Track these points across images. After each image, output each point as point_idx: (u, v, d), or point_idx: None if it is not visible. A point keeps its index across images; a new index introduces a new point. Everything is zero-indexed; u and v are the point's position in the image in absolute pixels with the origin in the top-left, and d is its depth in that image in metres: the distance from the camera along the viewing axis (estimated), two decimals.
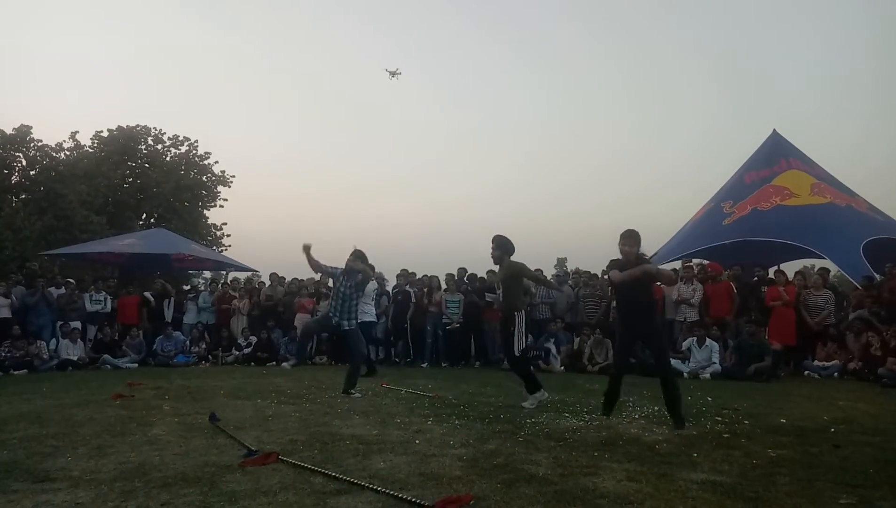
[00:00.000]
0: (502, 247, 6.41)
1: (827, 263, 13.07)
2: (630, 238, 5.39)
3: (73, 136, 26.62)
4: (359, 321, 7.62)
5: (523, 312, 6.43)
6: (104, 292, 12.86)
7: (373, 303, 10.84)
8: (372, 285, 10.72)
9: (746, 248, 13.68)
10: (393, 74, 37.54)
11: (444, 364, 11.93)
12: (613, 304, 11.44)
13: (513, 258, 6.47)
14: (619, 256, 5.46)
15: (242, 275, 17.04)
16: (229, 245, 28.80)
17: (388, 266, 11.79)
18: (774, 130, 16.60)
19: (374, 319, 10.84)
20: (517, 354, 6.30)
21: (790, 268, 13.57)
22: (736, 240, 13.89)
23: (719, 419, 5.57)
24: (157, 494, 3.26)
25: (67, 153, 25.99)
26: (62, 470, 3.73)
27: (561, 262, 24.82)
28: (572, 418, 5.62)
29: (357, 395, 7.13)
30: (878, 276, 11.07)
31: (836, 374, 9.55)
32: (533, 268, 12.55)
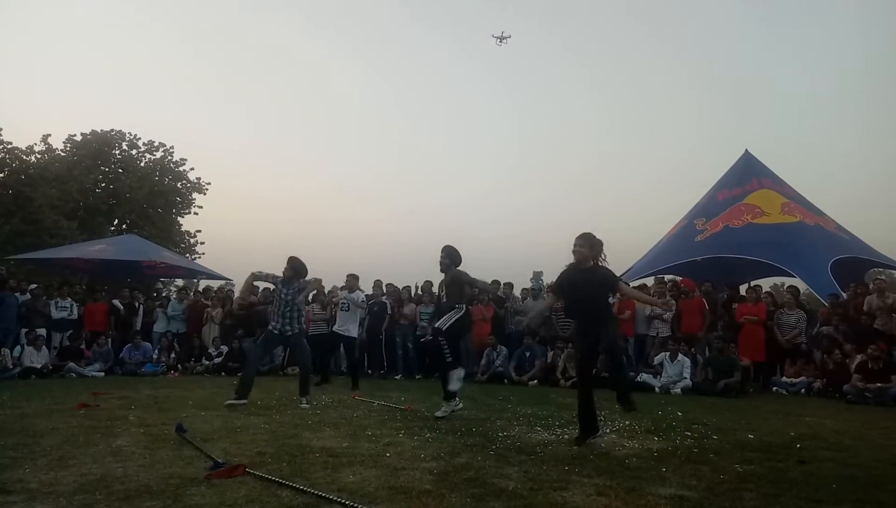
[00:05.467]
0: (451, 257, 6.70)
1: (796, 281, 13.33)
2: (582, 238, 5.10)
3: (44, 139, 26.16)
4: (304, 330, 7.71)
5: (464, 307, 6.64)
6: (70, 299, 12.58)
7: (357, 318, 10.57)
8: (360, 296, 10.49)
9: (718, 264, 13.90)
10: (501, 39, 36.59)
11: (417, 376, 11.87)
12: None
13: (462, 268, 6.74)
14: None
15: (215, 283, 16.82)
16: (203, 253, 28.47)
17: (359, 272, 11.44)
18: (746, 150, 16.95)
19: (355, 335, 10.55)
20: (439, 326, 6.45)
21: (760, 285, 13.83)
22: (708, 257, 14.11)
23: (689, 433, 5.62)
24: (119, 507, 3.17)
25: (38, 156, 25.50)
26: (19, 482, 3.61)
27: (537, 275, 24.90)
28: (544, 432, 5.63)
29: (305, 405, 7.16)
30: (843, 294, 11.31)
31: (803, 390, 9.72)
32: (505, 281, 12.71)
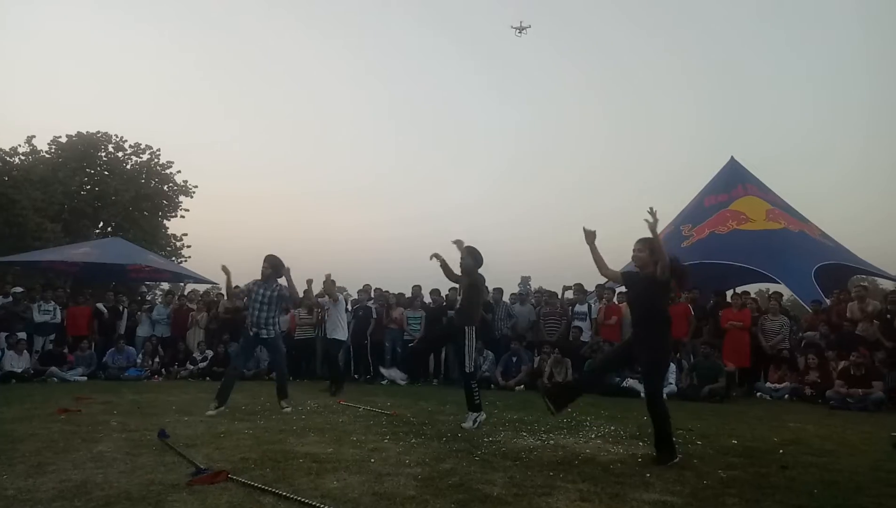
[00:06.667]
0: (473, 256, 6.50)
1: (780, 287, 13.45)
2: (641, 242, 4.93)
3: (29, 140, 25.89)
4: (280, 332, 7.49)
5: (475, 328, 6.47)
6: (53, 302, 12.42)
7: (344, 320, 10.63)
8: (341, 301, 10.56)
9: (704, 270, 13.97)
10: (520, 29, 35.90)
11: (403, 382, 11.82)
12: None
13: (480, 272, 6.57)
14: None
15: (201, 287, 16.71)
16: (189, 257, 28.27)
17: (348, 278, 11.70)
18: (732, 157, 17.10)
19: (343, 337, 10.59)
20: (468, 370, 6.32)
21: (748, 292, 13.93)
22: (694, 262, 14.18)
23: (673, 439, 5.62)
24: None
25: (22, 158, 25.23)
26: None
27: (525, 280, 24.87)
28: (529, 437, 5.62)
29: (287, 409, 7.09)
30: (827, 300, 11.43)
31: (786, 396, 9.79)
32: (493, 287, 12.71)
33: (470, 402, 6.26)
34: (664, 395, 6.15)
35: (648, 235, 4.85)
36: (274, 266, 7.44)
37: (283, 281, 7.55)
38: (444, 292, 12.45)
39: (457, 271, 6.59)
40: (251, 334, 7.37)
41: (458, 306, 6.64)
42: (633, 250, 4.98)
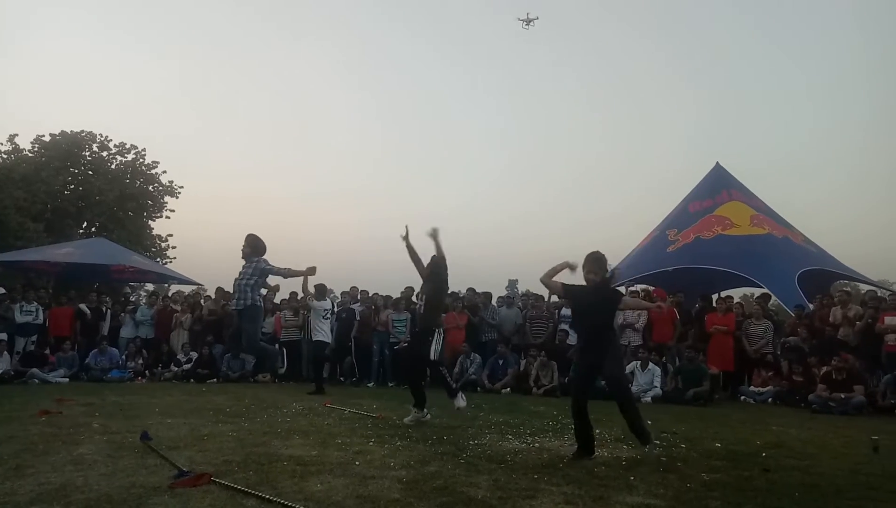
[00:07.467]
0: (436, 268, 6.58)
1: (764, 292, 13.56)
2: (595, 263, 5.01)
3: (11, 139, 25.57)
4: (255, 305, 7.41)
5: (442, 330, 6.54)
6: (35, 303, 12.27)
7: (327, 322, 10.68)
8: (324, 304, 10.60)
9: (689, 275, 14.09)
10: (527, 21, 35.45)
11: (390, 384, 11.80)
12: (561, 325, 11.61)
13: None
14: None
15: (186, 288, 16.58)
16: (174, 257, 27.99)
17: (338, 280, 11.71)
18: (717, 162, 17.24)
19: (327, 339, 10.60)
20: (433, 358, 6.37)
21: (731, 296, 14.05)
22: (679, 267, 14.29)
23: (657, 442, 5.63)
24: None
25: (5, 157, 24.92)
26: None
27: (512, 284, 24.93)
28: (515, 440, 5.63)
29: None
30: (810, 305, 11.55)
31: (770, 399, 9.88)
32: (482, 290, 12.72)
33: (448, 390, 6.32)
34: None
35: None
36: (252, 246, 7.51)
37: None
38: None
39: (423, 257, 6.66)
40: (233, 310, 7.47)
41: (421, 311, 6.64)
42: (585, 272, 5.02)
